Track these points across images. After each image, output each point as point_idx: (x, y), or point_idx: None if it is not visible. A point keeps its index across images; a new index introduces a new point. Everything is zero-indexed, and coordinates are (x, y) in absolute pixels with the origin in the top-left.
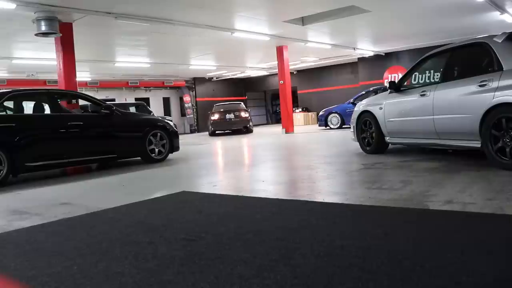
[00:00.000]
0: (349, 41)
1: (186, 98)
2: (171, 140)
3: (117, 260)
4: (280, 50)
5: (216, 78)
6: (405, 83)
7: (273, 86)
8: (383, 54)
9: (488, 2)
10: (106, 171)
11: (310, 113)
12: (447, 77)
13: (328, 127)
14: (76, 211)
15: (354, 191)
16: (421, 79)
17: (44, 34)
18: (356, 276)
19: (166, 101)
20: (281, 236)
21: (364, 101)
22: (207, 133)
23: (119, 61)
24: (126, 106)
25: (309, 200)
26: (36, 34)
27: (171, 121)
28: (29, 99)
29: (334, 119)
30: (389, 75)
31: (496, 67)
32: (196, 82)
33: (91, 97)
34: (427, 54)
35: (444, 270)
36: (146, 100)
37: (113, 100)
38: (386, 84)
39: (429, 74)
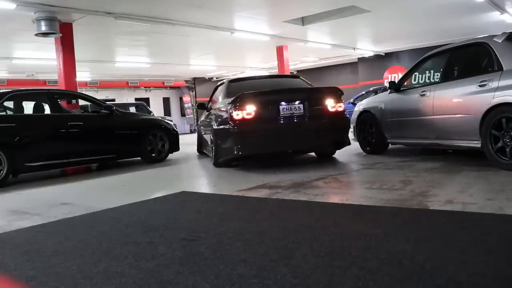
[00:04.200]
0: (349, 41)
1: (186, 98)
2: (171, 140)
3: (117, 260)
4: (280, 50)
5: (216, 78)
6: (405, 83)
7: None
8: (383, 54)
9: (488, 2)
10: (106, 171)
11: None
12: (447, 77)
13: None
14: (76, 211)
15: (354, 191)
16: (421, 79)
17: (44, 34)
18: (356, 276)
19: (166, 101)
20: (281, 236)
21: (364, 101)
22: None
23: (119, 61)
24: (126, 106)
25: (309, 200)
26: (36, 34)
27: (171, 121)
28: (29, 99)
29: None
30: (389, 75)
31: (496, 67)
32: (196, 82)
33: (91, 97)
34: (427, 54)
35: (444, 270)
36: (146, 100)
37: (113, 100)
38: (386, 84)
39: (429, 74)
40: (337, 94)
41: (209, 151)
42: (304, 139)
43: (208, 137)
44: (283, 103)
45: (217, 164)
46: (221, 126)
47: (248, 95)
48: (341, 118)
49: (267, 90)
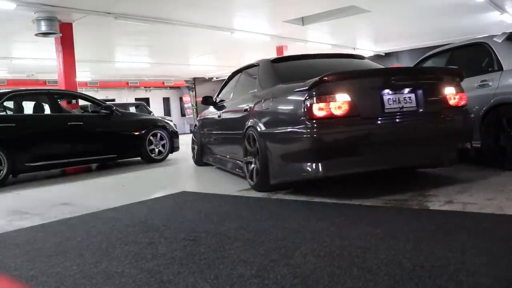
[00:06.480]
0: (349, 41)
1: (186, 98)
2: (171, 140)
3: (117, 260)
4: (280, 50)
5: (216, 78)
6: None
7: None
8: (383, 54)
9: (488, 2)
10: (106, 171)
11: None
12: None
13: None
14: (76, 211)
15: (354, 191)
16: None
17: (44, 34)
18: (356, 276)
19: (166, 101)
20: (281, 236)
21: None
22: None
23: (119, 61)
24: (126, 106)
25: (309, 200)
26: (36, 34)
27: (171, 121)
28: (29, 99)
29: None
30: None
31: (496, 67)
32: (196, 82)
33: (91, 97)
34: (427, 54)
35: (444, 270)
36: (146, 100)
37: (113, 100)
38: None
39: None
40: (458, 80)
41: (225, 164)
42: (421, 148)
43: (227, 143)
44: (387, 91)
45: (267, 187)
46: (281, 129)
47: (338, 78)
48: (465, 115)
49: (366, 70)
